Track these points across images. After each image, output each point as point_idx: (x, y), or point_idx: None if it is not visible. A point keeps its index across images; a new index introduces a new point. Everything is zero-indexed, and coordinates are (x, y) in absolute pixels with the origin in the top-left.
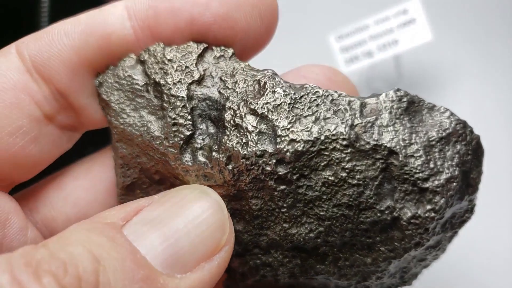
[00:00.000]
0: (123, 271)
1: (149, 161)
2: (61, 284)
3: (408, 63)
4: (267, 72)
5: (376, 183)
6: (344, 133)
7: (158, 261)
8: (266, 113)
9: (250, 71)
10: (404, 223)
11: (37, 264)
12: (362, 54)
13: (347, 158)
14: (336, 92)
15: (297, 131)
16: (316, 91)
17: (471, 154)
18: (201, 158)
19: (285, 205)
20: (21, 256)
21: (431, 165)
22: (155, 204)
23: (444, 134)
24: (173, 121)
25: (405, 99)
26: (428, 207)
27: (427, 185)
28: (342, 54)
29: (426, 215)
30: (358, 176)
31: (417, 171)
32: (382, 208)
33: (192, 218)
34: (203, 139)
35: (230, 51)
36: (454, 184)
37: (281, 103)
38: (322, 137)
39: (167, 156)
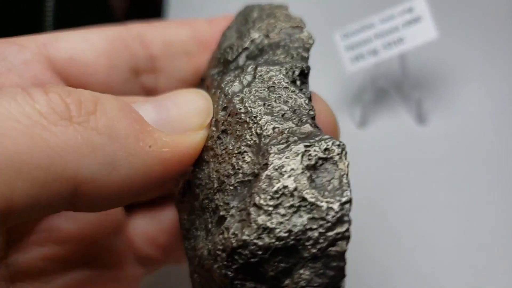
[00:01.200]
0: (118, 108)
1: None
2: (64, 100)
3: (413, 61)
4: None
5: None
6: None
7: (150, 120)
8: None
9: None
10: None
11: (47, 88)
12: (367, 52)
13: None
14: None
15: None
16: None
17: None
18: None
19: None
20: (33, 83)
21: None
22: (152, 97)
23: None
24: None
25: None
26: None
27: None
28: (347, 52)
29: None
30: None
31: None
32: None
33: (182, 100)
34: None
35: None
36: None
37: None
38: None
39: None
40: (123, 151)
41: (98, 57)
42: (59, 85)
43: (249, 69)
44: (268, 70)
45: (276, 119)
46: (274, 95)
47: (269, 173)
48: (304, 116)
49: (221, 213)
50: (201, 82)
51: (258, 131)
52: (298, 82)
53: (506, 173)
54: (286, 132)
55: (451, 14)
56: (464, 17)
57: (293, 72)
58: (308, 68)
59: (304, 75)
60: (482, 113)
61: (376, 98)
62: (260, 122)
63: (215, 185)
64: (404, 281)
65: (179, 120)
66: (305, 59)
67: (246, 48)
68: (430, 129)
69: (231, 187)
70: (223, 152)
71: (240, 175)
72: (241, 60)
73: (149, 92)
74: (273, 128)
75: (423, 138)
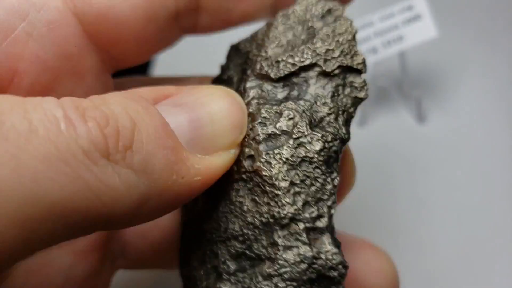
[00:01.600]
0: (155, 136)
1: None
2: (102, 132)
3: (413, 59)
4: None
5: None
6: None
7: (184, 139)
8: None
9: None
10: None
11: (83, 110)
12: (367, 50)
13: None
14: None
15: None
16: None
17: None
18: None
19: None
20: (71, 100)
21: None
22: (185, 93)
23: None
24: None
25: None
26: None
27: None
28: None
29: None
30: None
31: None
32: None
33: (217, 110)
34: None
35: None
36: None
37: None
38: None
39: None
40: (156, 187)
41: (135, 10)
42: (94, 99)
43: (287, 118)
44: (308, 134)
45: (296, 208)
46: (303, 172)
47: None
48: (324, 214)
49: (220, 270)
50: (221, 71)
51: (275, 215)
52: (331, 161)
53: (506, 171)
54: (297, 230)
55: (450, 12)
56: (463, 15)
57: (330, 148)
58: (348, 139)
59: (341, 149)
60: (482, 111)
61: (375, 96)
62: (279, 206)
63: (221, 233)
64: (403, 279)
65: (211, 138)
66: (348, 122)
67: (294, 75)
68: (430, 128)
69: (234, 250)
70: (237, 202)
71: (245, 246)
72: (281, 94)
73: (188, 30)
74: (290, 221)
75: (423, 136)
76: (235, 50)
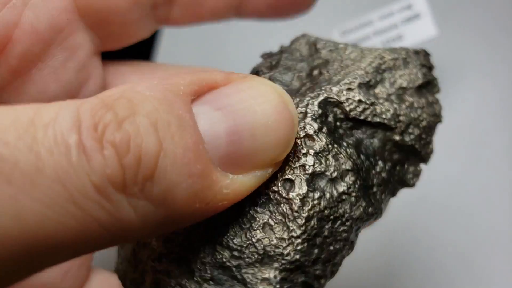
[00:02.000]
0: (182, 162)
1: None
2: (121, 162)
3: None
4: None
5: None
6: None
7: (218, 156)
8: None
9: None
10: None
11: (103, 130)
12: None
13: None
14: None
15: None
16: None
17: None
18: None
19: None
20: (91, 115)
21: None
22: (233, 88)
23: None
24: None
25: None
26: None
27: None
28: None
29: None
30: None
31: None
32: None
33: (263, 122)
34: None
35: None
36: None
37: None
38: None
39: None
40: (174, 216)
41: None
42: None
43: (348, 168)
44: (356, 196)
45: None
46: (330, 230)
47: None
48: (324, 276)
49: (193, 267)
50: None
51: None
52: (356, 233)
53: (506, 169)
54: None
55: (450, 11)
56: (463, 14)
57: (365, 220)
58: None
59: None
60: (481, 110)
61: None
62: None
63: (216, 235)
64: (402, 277)
65: (250, 155)
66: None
67: (367, 125)
68: None
69: (221, 260)
70: (249, 215)
71: (235, 263)
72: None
73: (161, 22)
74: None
75: None
76: (308, 46)
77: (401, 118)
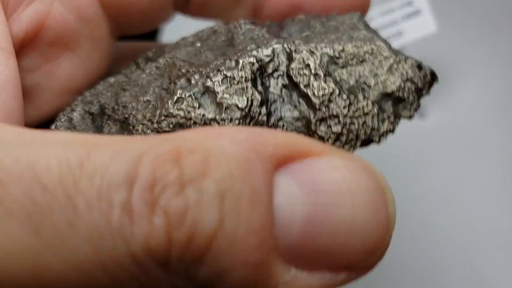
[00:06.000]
0: (241, 246)
1: None
2: (170, 235)
3: (412, 55)
4: None
5: None
6: None
7: (287, 244)
8: None
9: None
10: None
11: (160, 191)
12: None
13: None
14: None
15: None
16: None
17: None
18: None
19: None
20: (152, 169)
21: None
22: (327, 163)
23: None
24: None
25: None
26: None
27: None
28: None
29: None
30: None
31: None
32: None
33: (350, 218)
34: None
35: None
36: None
37: None
38: None
39: None
40: None
41: None
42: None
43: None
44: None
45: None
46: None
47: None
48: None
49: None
50: None
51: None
52: None
53: (507, 167)
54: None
55: (450, 7)
56: (463, 10)
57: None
58: None
59: None
60: (482, 107)
61: None
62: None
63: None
64: (403, 274)
65: (324, 253)
66: None
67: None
68: (429, 123)
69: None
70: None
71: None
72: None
73: (178, 10)
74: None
75: (422, 131)
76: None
77: (331, 106)
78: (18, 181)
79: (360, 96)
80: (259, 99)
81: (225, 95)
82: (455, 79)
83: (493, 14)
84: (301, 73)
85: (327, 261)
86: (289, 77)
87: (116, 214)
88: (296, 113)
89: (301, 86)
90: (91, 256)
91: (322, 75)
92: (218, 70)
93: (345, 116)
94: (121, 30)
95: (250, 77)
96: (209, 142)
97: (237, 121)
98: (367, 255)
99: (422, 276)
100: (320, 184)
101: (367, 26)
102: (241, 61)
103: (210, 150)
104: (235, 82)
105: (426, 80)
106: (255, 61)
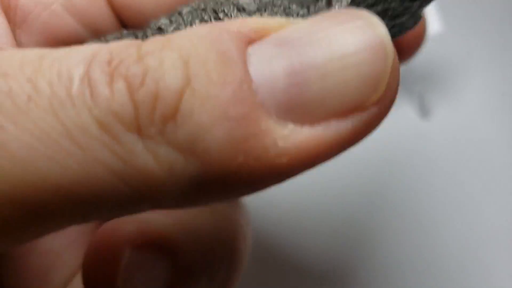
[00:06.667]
0: (215, 102)
1: None
2: (132, 96)
3: (417, 54)
4: None
5: None
6: None
7: (274, 100)
8: None
9: None
10: None
11: (117, 64)
12: None
13: None
14: None
15: None
16: None
17: None
18: None
19: None
20: (108, 51)
21: None
22: (303, 23)
23: None
24: None
25: None
26: None
27: None
28: None
29: None
30: None
31: None
32: None
33: (338, 56)
34: None
35: None
36: None
37: None
38: None
39: None
40: (213, 172)
41: None
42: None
43: None
44: None
45: None
46: None
47: None
48: None
49: None
50: None
51: None
52: None
53: (511, 168)
54: None
55: (454, 6)
56: (468, 9)
57: None
58: None
59: None
60: (487, 107)
61: None
62: None
63: None
64: (405, 274)
65: (319, 100)
66: None
67: None
68: (433, 123)
69: None
70: None
71: None
72: None
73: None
74: None
75: (426, 131)
76: None
77: None
78: None
79: None
80: None
81: None
82: (459, 78)
83: (498, 14)
84: None
85: (325, 108)
86: None
87: (75, 85)
88: None
89: None
90: (54, 124)
91: None
92: None
93: None
94: (122, 24)
95: None
96: (171, 36)
97: None
98: (370, 90)
99: (425, 276)
100: (294, 36)
101: None
102: None
103: (173, 35)
104: None
105: None
106: None
